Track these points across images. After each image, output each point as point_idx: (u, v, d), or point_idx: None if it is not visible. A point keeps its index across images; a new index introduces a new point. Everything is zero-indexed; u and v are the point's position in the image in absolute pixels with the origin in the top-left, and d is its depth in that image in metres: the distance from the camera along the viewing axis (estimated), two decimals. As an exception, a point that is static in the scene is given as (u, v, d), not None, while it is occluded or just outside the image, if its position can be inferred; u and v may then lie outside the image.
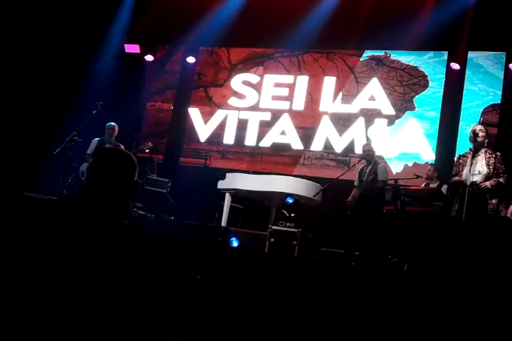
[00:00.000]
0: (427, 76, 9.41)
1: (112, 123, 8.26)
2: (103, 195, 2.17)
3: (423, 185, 7.65)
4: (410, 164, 9.19)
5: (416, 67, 9.50)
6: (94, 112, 7.53)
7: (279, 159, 9.94)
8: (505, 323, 4.03)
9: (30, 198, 6.81)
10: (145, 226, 7.57)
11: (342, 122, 9.63)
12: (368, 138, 9.31)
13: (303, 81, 9.98)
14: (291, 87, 9.99)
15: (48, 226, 2.07)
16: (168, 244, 5.52)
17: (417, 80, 9.46)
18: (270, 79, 10.17)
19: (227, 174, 8.41)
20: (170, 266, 4.70)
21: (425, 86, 9.40)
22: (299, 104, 9.90)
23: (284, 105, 9.98)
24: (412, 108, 9.39)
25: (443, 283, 4.64)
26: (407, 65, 9.55)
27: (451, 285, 4.56)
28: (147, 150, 8.44)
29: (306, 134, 9.78)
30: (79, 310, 1.99)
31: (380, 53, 9.72)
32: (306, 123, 9.85)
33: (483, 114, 8.89)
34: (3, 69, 9.40)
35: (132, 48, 10.63)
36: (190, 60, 10.56)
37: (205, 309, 4.47)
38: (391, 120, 9.43)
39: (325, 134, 9.67)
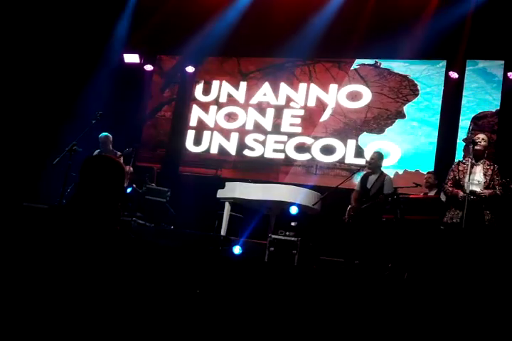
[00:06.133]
0: (417, 85, 9.47)
1: (103, 134, 8.21)
2: (91, 202, 2.19)
3: (422, 194, 7.62)
4: (401, 172, 9.19)
5: (406, 75, 9.56)
6: (93, 122, 7.52)
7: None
8: (504, 330, 4.01)
9: (30, 208, 6.81)
10: (144, 235, 7.56)
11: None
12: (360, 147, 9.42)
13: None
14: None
15: (40, 234, 2.08)
16: (167, 253, 5.50)
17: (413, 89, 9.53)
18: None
19: (226, 183, 8.40)
20: (168, 275, 4.69)
21: (416, 95, 9.48)
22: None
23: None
24: (402, 116, 9.44)
25: (442, 292, 4.63)
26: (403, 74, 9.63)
27: (451, 294, 4.55)
28: (125, 153, 8.37)
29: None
30: (71, 315, 1.99)
31: (372, 62, 9.78)
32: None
33: (472, 121, 8.95)
34: (4, 79, 9.44)
35: (131, 58, 10.65)
36: (190, 69, 10.60)
37: (203, 318, 4.46)
38: (381, 129, 9.48)
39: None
